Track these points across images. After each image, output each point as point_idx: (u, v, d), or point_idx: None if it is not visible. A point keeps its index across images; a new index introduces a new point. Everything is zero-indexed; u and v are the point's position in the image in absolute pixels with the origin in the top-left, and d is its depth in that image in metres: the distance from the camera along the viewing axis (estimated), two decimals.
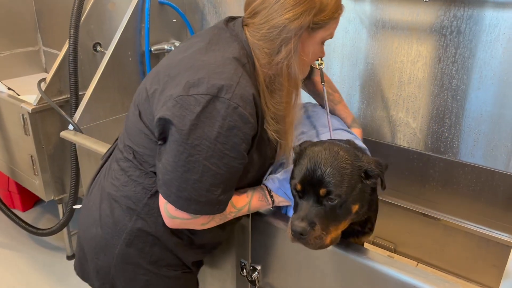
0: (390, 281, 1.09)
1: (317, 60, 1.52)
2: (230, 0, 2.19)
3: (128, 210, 1.17)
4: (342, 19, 1.83)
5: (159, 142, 1.08)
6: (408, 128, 1.84)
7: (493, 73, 1.59)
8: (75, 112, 2.05)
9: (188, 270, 1.30)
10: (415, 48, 1.72)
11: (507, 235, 1.68)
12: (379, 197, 1.93)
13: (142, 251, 1.19)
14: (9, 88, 2.56)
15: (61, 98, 2.20)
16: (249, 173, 1.18)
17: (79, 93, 2.11)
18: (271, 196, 1.25)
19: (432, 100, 1.75)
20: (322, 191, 1.07)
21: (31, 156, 2.23)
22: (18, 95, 2.46)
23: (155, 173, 1.13)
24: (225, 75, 1.01)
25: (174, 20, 2.33)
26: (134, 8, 2.13)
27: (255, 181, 1.26)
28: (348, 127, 1.54)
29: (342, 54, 1.92)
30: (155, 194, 1.15)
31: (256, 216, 1.31)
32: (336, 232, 1.11)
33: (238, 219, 1.30)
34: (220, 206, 1.10)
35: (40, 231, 2.46)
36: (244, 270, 1.41)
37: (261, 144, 1.15)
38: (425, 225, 1.89)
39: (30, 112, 2.09)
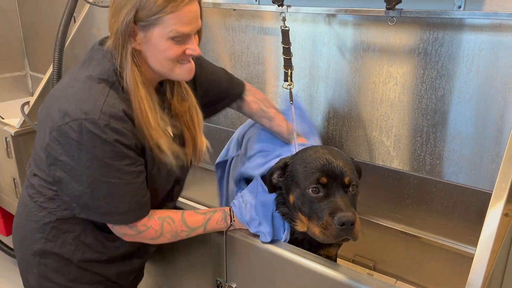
0: None
1: (287, 81, 1.59)
2: (211, 25, 2.26)
3: (37, 233, 1.23)
4: (318, 42, 1.91)
5: (52, 173, 1.13)
6: (383, 147, 1.89)
7: (459, 92, 1.65)
8: None
9: (114, 284, 1.33)
10: (386, 69, 1.78)
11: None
12: (359, 216, 1.97)
13: (59, 271, 1.24)
14: None
15: None
16: (157, 181, 1.23)
17: None
18: (232, 219, 1.29)
19: (403, 119, 1.80)
20: (347, 180, 1.13)
21: (14, 179, 2.24)
22: (3, 118, 2.49)
23: (56, 196, 1.20)
24: (91, 98, 1.07)
25: None
26: None
27: (166, 186, 1.29)
28: (287, 142, 1.56)
29: (317, 75, 1.98)
30: (61, 217, 1.21)
31: (231, 234, 1.33)
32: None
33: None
34: (143, 209, 1.17)
35: None
36: None
37: (161, 158, 1.19)
38: (403, 242, 1.92)
39: (13, 135, 2.12)
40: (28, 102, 2.22)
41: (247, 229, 1.31)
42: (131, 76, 1.11)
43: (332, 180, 1.13)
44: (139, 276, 1.49)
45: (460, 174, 1.73)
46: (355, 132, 1.94)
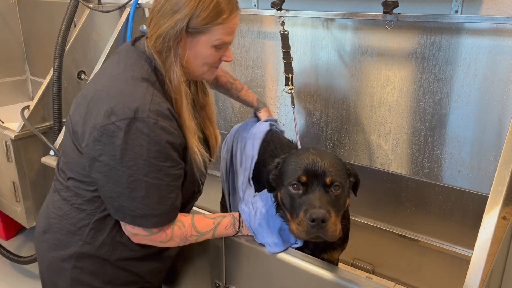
0: None
1: (287, 85, 1.61)
2: None
3: (74, 236, 1.22)
4: (316, 46, 1.92)
5: (92, 174, 1.13)
6: (381, 150, 1.89)
7: (457, 95, 1.66)
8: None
9: (147, 284, 1.33)
10: (383, 73, 1.79)
11: None
12: (357, 219, 1.98)
13: (94, 273, 1.23)
14: None
15: (44, 125, 2.25)
16: (185, 183, 1.23)
17: (63, 120, 2.16)
18: (240, 225, 1.30)
19: (401, 123, 1.81)
20: (329, 180, 1.13)
21: (13, 183, 2.25)
22: (3, 122, 2.50)
23: (96, 197, 1.19)
24: (138, 95, 1.08)
25: None
26: (116, 37, 2.20)
27: (193, 188, 1.30)
28: (256, 109, 1.69)
29: (316, 79, 1.99)
30: (100, 218, 1.20)
31: (229, 237, 1.34)
32: (339, 224, 1.14)
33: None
34: (175, 212, 1.17)
35: (22, 259, 2.44)
36: None
37: (193, 161, 1.21)
38: (402, 245, 1.92)
39: (12, 139, 2.12)
40: (28, 107, 2.23)
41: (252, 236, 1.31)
42: (178, 77, 1.15)
43: (313, 179, 1.14)
44: (167, 273, 1.48)
45: (458, 177, 1.74)
46: (354, 135, 1.95)
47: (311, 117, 2.05)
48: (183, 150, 1.17)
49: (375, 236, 1.97)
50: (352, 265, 2.05)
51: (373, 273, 2.01)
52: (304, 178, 1.14)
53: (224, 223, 1.28)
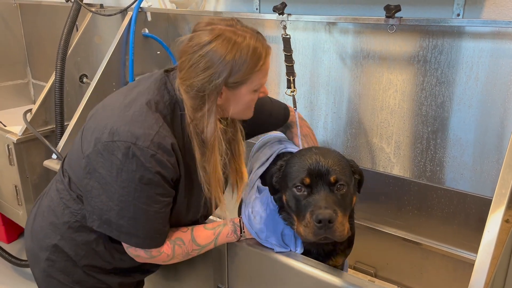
0: None
1: (289, 88, 1.61)
2: None
3: (55, 228, 1.26)
4: (318, 50, 1.93)
5: (86, 181, 1.15)
6: (383, 153, 1.89)
7: (459, 98, 1.66)
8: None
9: None
10: (386, 76, 1.80)
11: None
12: (359, 222, 1.98)
13: (64, 270, 1.26)
14: None
15: (46, 128, 2.25)
16: (185, 213, 1.25)
17: (65, 124, 2.16)
18: (242, 231, 1.29)
19: (404, 126, 1.81)
20: (333, 178, 1.12)
21: (15, 186, 2.25)
22: (5, 126, 2.50)
23: (81, 199, 1.22)
24: (146, 124, 1.10)
25: (158, 52, 2.41)
26: (118, 41, 2.21)
27: (193, 220, 1.31)
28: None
29: (318, 83, 1.99)
30: (80, 220, 1.23)
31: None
32: (347, 223, 1.13)
33: None
34: (161, 237, 1.18)
35: (24, 263, 2.45)
36: None
37: (191, 188, 1.22)
38: (404, 249, 1.92)
39: (15, 142, 2.13)
40: (30, 110, 2.24)
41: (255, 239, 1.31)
42: (214, 130, 1.13)
43: (317, 179, 1.13)
44: (140, 283, 1.51)
45: (461, 180, 1.74)
46: (356, 139, 1.95)
47: (313, 120, 2.05)
48: (176, 182, 1.18)
49: (377, 239, 1.97)
50: (355, 268, 2.04)
51: (376, 276, 2.01)
52: (307, 180, 1.13)
53: (225, 232, 1.28)
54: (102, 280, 1.30)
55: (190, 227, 1.27)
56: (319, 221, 1.06)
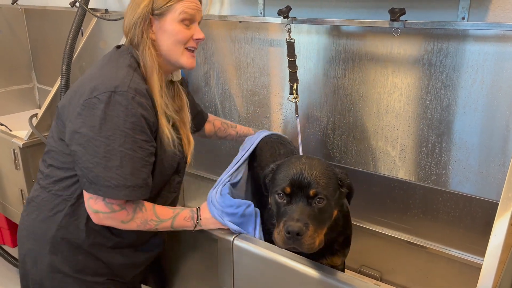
0: None
1: (292, 94, 1.62)
2: (217, 37, 2.29)
3: (50, 222, 1.30)
4: (322, 54, 1.93)
5: (72, 148, 1.22)
6: (388, 157, 1.89)
7: (465, 102, 1.66)
8: None
9: (116, 278, 1.39)
10: (390, 80, 1.80)
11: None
12: (364, 226, 1.98)
13: (67, 259, 1.31)
14: (1, 124, 2.61)
15: None
16: (156, 171, 1.31)
17: None
18: (198, 221, 1.35)
19: (409, 129, 1.81)
20: (312, 192, 1.14)
21: (21, 191, 2.26)
22: (10, 130, 2.52)
23: (72, 184, 1.29)
24: (120, 76, 1.22)
25: None
26: None
27: (163, 185, 1.39)
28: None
29: (322, 86, 1.99)
30: (75, 203, 1.29)
31: (238, 243, 1.34)
32: (321, 235, 1.16)
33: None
34: (146, 189, 1.24)
35: None
36: None
37: (162, 141, 1.32)
38: (410, 252, 1.91)
39: (21, 147, 2.14)
40: (36, 115, 2.25)
41: (228, 230, 1.36)
42: (151, 60, 1.29)
43: (297, 190, 1.15)
44: (142, 273, 1.53)
45: (466, 184, 1.73)
46: (360, 142, 1.95)
47: (317, 124, 2.05)
48: (155, 132, 1.28)
49: (382, 243, 1.96)
50: (360, 272, 2.04)
51: (381, 280, 2.01)
52: (288, 189, 1.16)
53: (183, 214, 1.34)
54: (105, 261, 1.35)
55: (152, 203, 1.33)
56: (288, 232, 1.09)
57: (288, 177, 1.17)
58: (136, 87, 1.21)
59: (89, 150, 1.17)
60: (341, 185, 1.23)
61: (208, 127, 1.86)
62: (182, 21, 1.31)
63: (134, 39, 1.30)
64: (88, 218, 1.28)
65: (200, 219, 1.36)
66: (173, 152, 1.35)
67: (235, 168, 1.55)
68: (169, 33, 1.31)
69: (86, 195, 1.23)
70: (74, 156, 1.22)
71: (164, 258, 1.62)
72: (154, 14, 1.29)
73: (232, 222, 1.34)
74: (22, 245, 1.38)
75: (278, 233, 1.13)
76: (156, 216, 1.29)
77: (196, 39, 1.36)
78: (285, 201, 1.16)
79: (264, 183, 1.33)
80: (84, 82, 1.26)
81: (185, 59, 1.35)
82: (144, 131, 1.21)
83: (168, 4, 1.29)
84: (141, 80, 1.25)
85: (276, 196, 1.18)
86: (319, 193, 1.14)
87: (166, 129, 1.31)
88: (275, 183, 1.21)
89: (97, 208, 1.22)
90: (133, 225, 1.26)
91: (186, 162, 1.48)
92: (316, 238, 1.12)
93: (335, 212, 1.22)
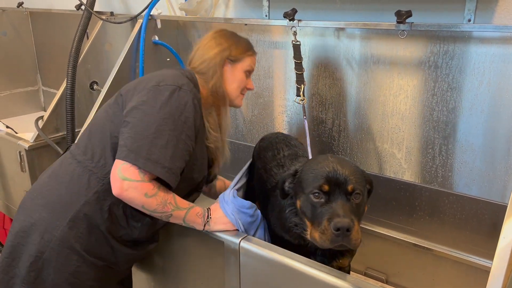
0: None
1: (299, 96, 1.62)
2: None
3: (79, 196, 1.34)
4: (327, 56, 1.93)
5: (126, 119, 1.32)
6: (394, 159, 1.89)
7: (471, 104, 1.66)
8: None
9: (113, 266, 1.42)
10: (396, 82, 1.80)
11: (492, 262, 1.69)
12: (370, 228, 1.97)
13: (81, 237, 1.34)
14: (7, 127, 2.62)
15: (58, 135, 2.27)
16: (188, 174, 1.40)
17: (76, 130, 2.18)
18: (208, 219, 1.39)
19: (415, 131, 1.81)
20: (351, 187, 1.14)
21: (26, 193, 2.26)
22: (16, 133, 2.52)
23: (108, 164, 1.34)
24: (184, 80, 1.38)
25: (168, 59, 2.43)
26: (129, 49, 2.22)
27: (189, 190, 1.48)
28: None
29: (328, 88, 2.00)
30: (106, 184, 1.33)
31: (245, 246, 1.34)
32: (360, 231, 1.14)
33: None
34: (177, 177, 1.30)
35: None
36: None
37: (201, 148, 1.44)
38: (416, 255, 1.91)
39: (27, 149, 2.14)
40: (42, 117, 2.26)
41: (234, 232, 1.38)
42: (223, 90, 1.52)
43: (335, 187, 1.15)
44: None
45: (473, 186, 1.73)
46: (366, 144, 1.95)
47: (323, 126, 2.05)
48: (195, 138, 1.38)
49: (388, 245, 1.96)
50: (366, 275, 2.03)
51: (387, 282, 2.00)
52: (326, 187, 1.14)
53: (197, 209, 1.39)
54: (114, 247, 1.39)
55: None
56: (338, 229, 1.07)
57: (323, 176, 1.16)
58: (195, 93, 1.38)
59: (142, 123, 1.27)
60: (365, 181, 1.24)
61: (219, 184, 1.89)
62: (247, 71, 1.57)
63: (206, 72, 1.50)
64: (113, 201, 1.34)
65: (210, 218, 1.40)
66: (202, 164, 1.48)
67: (239, 177, 1.64)
68: (236, 78, 1.55)
69: (118, 162, 1.26)
70: (125, 126, 1.30)
71: (170, 260, 1.62)
72: (229, 59, 1.53)
73: (243, 222, 1.38)
74: (31, 213, 1.37)
75: (323, 232, 1.10)
76: (175, 202, 1.33)
77: (249, 88, 1.62)
78: (322, 200, 1.15)
79: (282, 188, 1.32)
80: (148, 77, 1.41)
81: (239, 101, 1.60)
82: (192, 129, 1.34)
83: (241, 56, 1.55)
84: (197, 91, 1.42)
85: (311, 196, 1.16)
86: (356, 188, 1.14)
87: (202, 143, 1.45)
88: (306, 184, 1.20)
89: (127, 175, 1.24)
90: (153, 202, 1.28)
91: (205, 182, 1.60)
92: (359, 233, 1.12)
93: (366, 208, 1.23)
